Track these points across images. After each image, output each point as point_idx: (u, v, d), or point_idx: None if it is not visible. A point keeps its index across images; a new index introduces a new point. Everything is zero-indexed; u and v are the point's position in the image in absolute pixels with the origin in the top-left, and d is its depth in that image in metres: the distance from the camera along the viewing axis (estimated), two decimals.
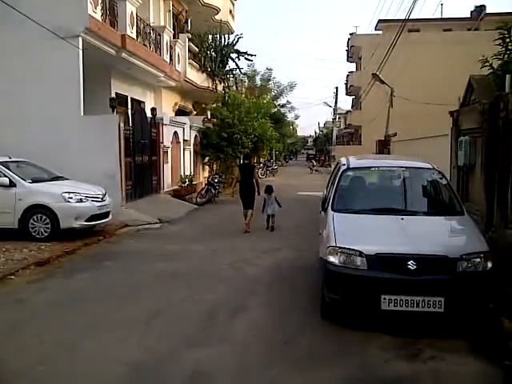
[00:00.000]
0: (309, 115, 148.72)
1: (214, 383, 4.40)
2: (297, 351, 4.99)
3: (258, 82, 41.24)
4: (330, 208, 6.44)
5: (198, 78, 22.64)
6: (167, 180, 17.16)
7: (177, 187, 17.83)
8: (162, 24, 19.70)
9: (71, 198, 10.22)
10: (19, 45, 12.62)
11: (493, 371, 4.61)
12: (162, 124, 16.47)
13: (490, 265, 5.34)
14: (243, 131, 21.52)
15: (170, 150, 17.38)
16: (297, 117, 58.53)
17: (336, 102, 52.89)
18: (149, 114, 15.96)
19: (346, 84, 50.34)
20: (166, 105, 20.73)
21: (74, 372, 4.56)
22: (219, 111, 22.00)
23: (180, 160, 18.86)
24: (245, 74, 32.20)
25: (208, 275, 7.91)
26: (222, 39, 24.82)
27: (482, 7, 41.33)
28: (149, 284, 7.40)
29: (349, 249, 5.43)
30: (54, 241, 9.91)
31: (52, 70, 12.68)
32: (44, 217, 10.02)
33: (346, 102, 64.04)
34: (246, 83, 37.26)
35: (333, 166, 13.56)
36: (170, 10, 21.38)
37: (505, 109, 7.67)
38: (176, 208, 15.25)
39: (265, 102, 29.01)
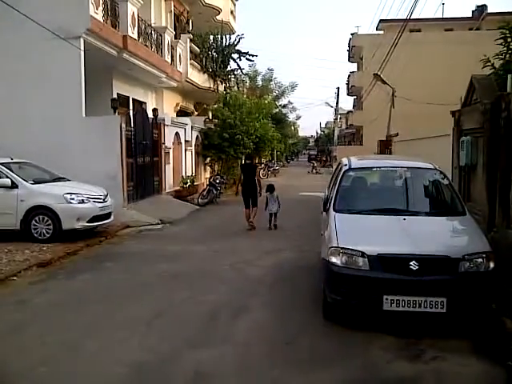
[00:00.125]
0: (310, 116, 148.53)
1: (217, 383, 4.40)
2: (298, 352, 4.99)
3: (260, 83, 41.28)
4: (331, 208, 6.43)
5: (199, 78, 22.66)
6: (169, 181, 17.16)
7: (178, 188, 17.83)
8: (164, 25, 19.73)
9: (73, 199, 10.23)
10: (21, 46, 12.65)
11: (495, 372, 4.60)
12: (164, 125, 16.47)
13: (492, 265, 5.33)
14: (245, 132, 21.52)
15: (171, 151, 17.38)
16: (298, 117, 58.58)
17: (337, 103, 52.92)
18: (150, 115, 15.98)
19: (348, 84, 50.30)
20: (167, 105, 20.75)
21: (75, 373, 4.56)
22: (221, 112, 22.01)
23: (181, 161, 18.86)
24: (246, 74, 32.29)
25: (210, 276, 7.91)
26: (224, 39, 24.86)
27: (483, 7, 41.25)
28: (150, 285, 7.40)
29: (351, 249, 5.42)
30: (56, 242, 9.92)
31: (53, 70, 12.69)
32: (46, 218, 10.03)
33: (347, 103, 64.33)
34: (247, 83, 37.27)
35: (334, 167, 13.56)
36: (171, 11, 21.40)
37: (506, 109, 7.66)
38: (177, 209, 15.26)
39: (266, 102, 29.02)
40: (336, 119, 55.43)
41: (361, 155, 9.96)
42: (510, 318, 5.55)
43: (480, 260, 5.31)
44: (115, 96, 15.20)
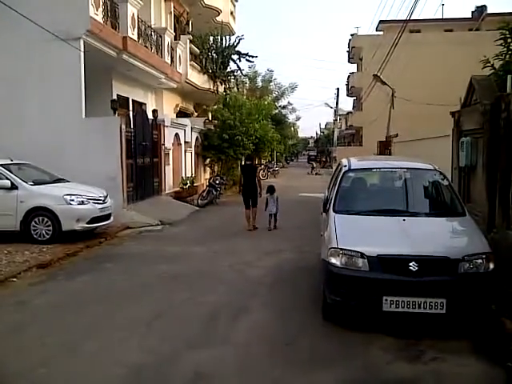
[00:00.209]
0: (310, 116, 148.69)
1: None
2: (299, 353, 4.99)
3: (259, 84, 41.34)
4: (331, 209, 6.43)
5: (199, 79, 22.66)
6: (168, 182, 17.16)
7: (178, 189, 17.83)
8: (163, 26, 19.74)
9: (73, 200, 10.23)
10: (21, 47, 12.66)
11: (495, 373, 4.60)
12: (164, 126, 16.47)
13: (491, 266, 5.33)
14: (244, 133, 21.54)
15: (171, 152, 17.39)
16: (298, 118, 58.71)
17: (337, 103, 52.90)
18: (150, 116, 15.98)
19: (347, 85, 50.30)
20: (167, 106, 20.76)
21: (75, 374, 4.56)
22: (220, 113, 22.03)
23: (181, 162, 18.86)
24: (246, 75, 32.30)
25: (209, 277, 7.91)
26: (223, 41, 24.86)
27: (482, 7, 41.27)
28: (150, 286, 7.40)
29: (350, 250, 5.42)
30: (56, 243, 9.92)
31: (53, 71, 12.71)
32: (46, 219, 10.02)
33: (347, 103, 64.36)
34: (247, 84, 37.29)
35: (334, 167, 13.55)
36: (171, 12, 21.41)
37: (506, 109, 7.66)
38: (177, 210, 15.26)
39: (266, 103, 29.03)
40: (336, 120, 55.43)
41: (360, 156, 9.97)
42: (509, 318, 5.55)
43: (480, 261, 5.31)
44: (115, 97, 15.21)
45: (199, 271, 8.25)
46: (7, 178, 10.11)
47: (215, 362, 4.75)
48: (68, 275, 8.00)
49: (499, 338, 5.25)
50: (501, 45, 9.56)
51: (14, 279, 7.66)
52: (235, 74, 27.09)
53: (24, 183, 10.20)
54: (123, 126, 13.14)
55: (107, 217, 11.04)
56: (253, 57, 26.75)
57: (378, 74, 24.88)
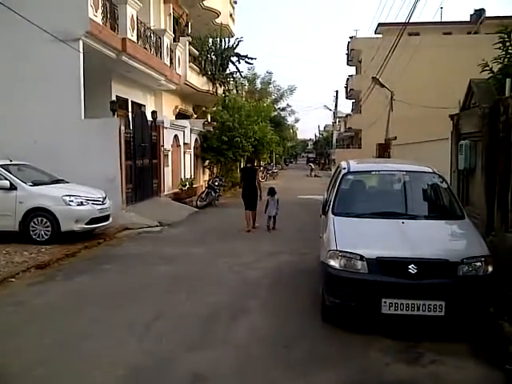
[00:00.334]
0: (309, 119, 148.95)
1: None
2: (298, 354, 4.98)
3: (259, 86, 41.38)
4: (330, 212, 6.43)
5: (198, 81, 22.69)
6: (167, 183, 17.17)
7: (177, 190, 17.85)
8: (163, 27, 19.76)
9: (72, 201, 10.23)
10: (20, 48, 12.66)
11: (493, 375, 4.61)
12: (163, 127, 16.49)
13: (490, 269, 5.34)
14: (243, 134, 21.57)
15: (170, 154, 17.40)
16: (297, 120, 58.83)
17: (336, 106, 53.10)
18: (149, 118, 15.99)
19: (346, 87, 50.34)
20: (166, 108, 20.78)
21: (73, 374, 4.56)
22: (219, 114, 22.05)
23: (180, 163, 18.88)
24: (245, 77, 32.31)
25: (208, 278, 7.91)
26: (223, 42, 24.90)
27: (481, 11, 41.38)
28: (149, 287, 7.39)
29: (349, 253, 5.43)
30: (55, 244, 9.91)
31: (53, 73, 12.71)
32: (44, 220, 10.02)
33: (346, 106, 64.35)
34: (246, 86, 37.33)
35: (333, 170, 13.56)
36: (170, 14, 21.44)
37: (505, 113, 7.67)
38: (176, 211, 15.25)
39: (265, 105, 29.08)
40: (335, 122, 55.55)
41: (359, 158, 9.99)
42: (508, 321, 5.55)
43: (478, 264, 5.32)
44: (114, 98, 15.22)
45: (198, 272, 8.25)
46: (6, 179, 10.10)
47: (214, 364, 4.75)
48: (66, 276, 7.99)
49: (498, 340, 5.26)
50: (499, 48, 9.59)
51: (13, 279, 7.66)
52: (234, 76, 27.17)
53: (23, 184, 10.20)
54: (122, 128, 13.16)
55: (106, 218, 11.03)
56: (252, 59, 26.83)
57: (377, 77, 24.93)
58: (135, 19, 15.28)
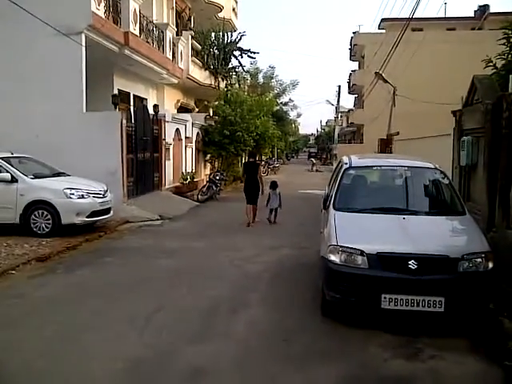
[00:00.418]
0: (311, 113, 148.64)
1: (214, 380, 4.41)
2: (297, 349, 4.99)
3: (261, 80, 41.29)
4: (331, 206, 6.43)
5: (200, 75, 22.63)
6: (169, 177, 17.17)
7: (178, 184, 17.85)
8: (165, 21, 19.68)
9: (73, 194, 10.23)
10: (22, 41, 12.63)
11: (493, 371, 4.62)
12: (164, 121, 16.47)
13: (491, 265, 5.34)
14: (245, 129, 21.54)
15: (171, 147, 17.39)
16: (299, 115, 58.73)
17: (338, 101, 52.93)
18: (151, 111, 15.98)
19: (349, 82, 50.26)
20: (168, 102, 20.74)
21: (73, 367, 4.57)
22: (221, 109, 22.02)
23: (182, 157, 18.87)
24: (247, 71, 32.22)
25: (209, 272, 7.92)
26: (225, 37, 24.81)
27: (485, 6, 41.17)
28: (149, 280, 7.41)
29: (350, 248, 5.43)
30: (55, 236, 9.93)
31: (55, 66, 12.68)
32: (45, 212, 10.03)
33: (348, 101, 64.37)
34: (248, 81, 37.26)
35: (334, 165, 13.54)
36: (173, 8, 21.37)
37: (508, 109, 7.64)
38: (177, 205, 15.26)
39: (267, 99, 29.02)
40: (337, 117, 55.43)
41: (361, 154, 9.97)
42: (507, 317, 5.55)
43: (479, 260, 5.32)
44: (116, 92, 15.21)
45: (199, 266, 8.26)
46: (7, 171, 10.11)
47: (214, 357, 4.76)
48: (67, 268, 8.00)
49: (497, 336, 5.26)
50: (503, 44, 9.55)
51: (13, 272, 7.67)
52: (237, 70, 27.08)
53: (24, 176, 10.20)
54: (124, 121, 13.14)
55: (107, 211, 11.05)
56: (254, 53, 26.69)
57: (380, 72, 24.84)
58: (138, 13, 15.22)
